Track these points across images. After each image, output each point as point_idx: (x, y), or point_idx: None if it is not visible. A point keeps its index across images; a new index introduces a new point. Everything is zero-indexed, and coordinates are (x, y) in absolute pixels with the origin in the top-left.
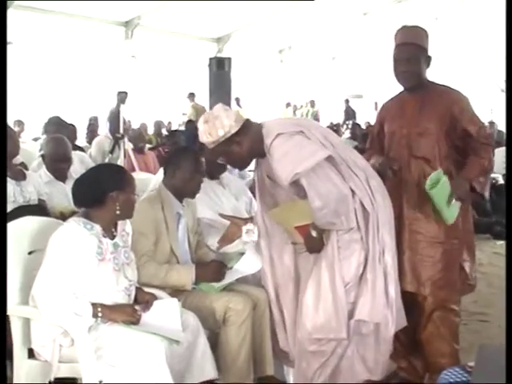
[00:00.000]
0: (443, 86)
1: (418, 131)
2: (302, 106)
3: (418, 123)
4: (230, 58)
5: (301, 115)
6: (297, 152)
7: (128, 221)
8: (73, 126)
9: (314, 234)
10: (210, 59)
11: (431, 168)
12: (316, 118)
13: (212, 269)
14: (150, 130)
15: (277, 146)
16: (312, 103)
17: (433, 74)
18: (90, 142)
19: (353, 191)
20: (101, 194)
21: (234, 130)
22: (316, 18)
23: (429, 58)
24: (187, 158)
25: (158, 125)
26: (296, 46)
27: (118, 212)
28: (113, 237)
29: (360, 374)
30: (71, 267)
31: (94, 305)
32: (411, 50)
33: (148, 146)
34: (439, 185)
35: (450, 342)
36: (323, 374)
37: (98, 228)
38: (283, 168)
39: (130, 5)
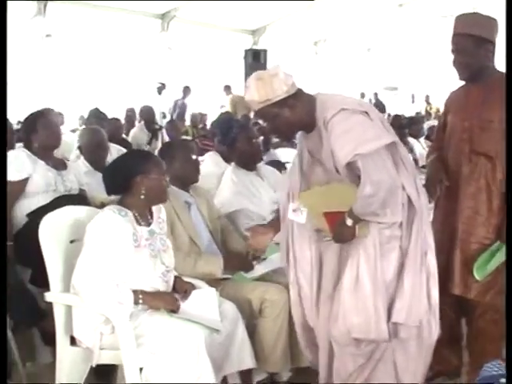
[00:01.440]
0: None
1: (480, 125)
2: None
3: (480, 116)
4: (265, 50)
5: None
6: (361, 131)
7: (163, 207)
8: (117, 119)
9: (349, 222)
10: (246, 51)
11: (492, 165)
12: None
13: (239, 257)
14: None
15: (339, 121)
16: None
17: None
18: (127, 133)
19: (403, 185)
20: (125, 179)
21: (291, 91)
22: (351, 10)
23: (492, 46)
24: (177, 147)
25: (195, 117)
26: (331, 37)
27: (142, 197)
28: (148, 224)
29: (398, 380)
30: (110, 254)
31: (135, 291)
32: (461, 41)
33: (185, 137)
34: (488, 266)
35: (497, 341)
36: (360, 378)
37: (131, 215)
38: (343, 146)
39: None
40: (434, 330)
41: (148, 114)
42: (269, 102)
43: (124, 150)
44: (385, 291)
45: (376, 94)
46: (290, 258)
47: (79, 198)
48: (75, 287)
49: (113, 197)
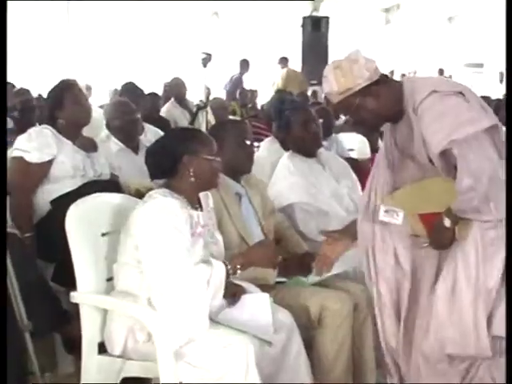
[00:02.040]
0: None
1: None
2: (409, 74)
3: None
4: (327, 18)
5: None
6: (455, 115)
7: (210, 195)
8: (155, 94)
9: (447, 223)
10: (304, 18)
11: None
12: None
13: (296, 260)
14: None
15: (430, 105)
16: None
17: None
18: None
19: None
20: (171, 160)
21: (374, 78)
22: None
23: None
24: (229, 130)
25: (244, 94)
26: (405, 3)
27: (192, 179)
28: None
29: None
30: (181, 246)
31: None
32: None
33: (232, 118)
34: None
35: None
36: None
37: (183, 199)
38: (435, 132)
39: None
40: None
41: (177, 89)
42: (350, 91)
43: (160, 132)
44: (486, 300)
45: (441, 71)
46: (371, 269)
47: (111, 185)
48: (159, 300)
49: (151, 183)
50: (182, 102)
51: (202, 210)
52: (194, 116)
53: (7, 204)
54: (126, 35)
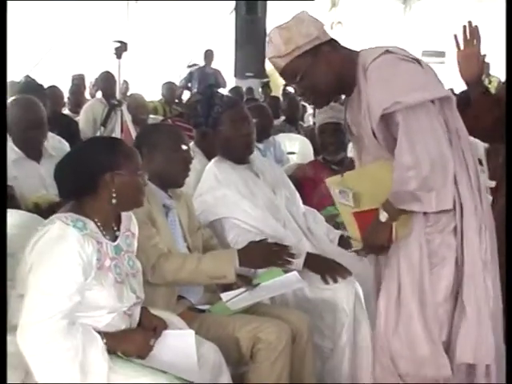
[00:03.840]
0: None
1: None
2: None
3: None
4: (264, 1)
5: None
6: (407, 77)
7: (134, 218)
8: (56, 87)
9: (383, 217)
10: (237, 1)
11: None
12: None
13: (264, 249)
14: (153, 95)
15: (381, 65)
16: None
17: None
18: (73, 109)
19: (454, 174)
20: (89, 177)
21: (324, 38)
22: None
23: None
24: (164, 133)
25: (169, 88)
26: None
27: (114, 201)
28: (114, 237)
29: None
30: (67, 285)
31: (98, 333)
32: None
33: (153, 117)
34: None
35: None
36: None
37: (91, 225)
38: (382, 91)
39: None
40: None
41: (107, 83)
42: (298, 51)
43: (62, 140)
44: (437, 315)
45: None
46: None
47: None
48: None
49: (53, 196)
50: (109, 99)
51: (119, 231)
52: (106, 116)
53: None
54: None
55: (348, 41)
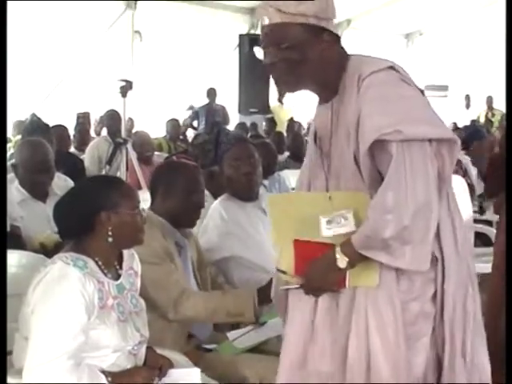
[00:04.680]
0: None
1: None
2: None
3: None
4: None
5: None
6: (413, 106)
7: (136, 256)
8: (62, 127)
9: (341, 261)
10: (241, 37)
11: None
12: None
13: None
14: (157, 132)
15: (383, 81)
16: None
17: None
18: (79, 147)
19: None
20: (86, 216)
21: (333, 29)
22: None
23: None
24: (181, 174)
25: (173, 125)
26: (357, 20)
27: (110, 239)
28: (117, 276)
29: None
30: (71, 325)
31: (102, 373)
32: None
33: (158, 154)
34: None
35: None
36: None
37: (92, 264)
38: (381, 113)
39: None
40: None
41: (113, 121)
42: (305, 19)
43: (68, 179)
44: None
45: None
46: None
47: (11, 238)
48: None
49: (56, 236)
50: (114, 137)
51: (121, 270)
52: (111, 154)
53: None
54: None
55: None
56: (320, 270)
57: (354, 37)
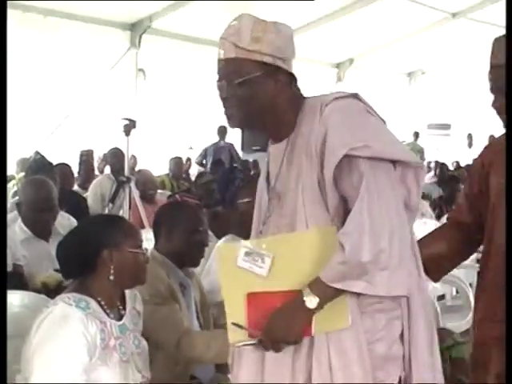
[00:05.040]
0: None
1: None
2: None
3: None
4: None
5: None
6: (379, 129)
7: (139, 295)
8: (66, 165)
9: (310, 303)
10: None
11: None
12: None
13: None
14: (160, 170)
15: (348, 107)
16: (416, 135)
17: None
18: (82, 184)
19: None
20: (88, 256)
21: (289, 69)
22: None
23: None
24: (183, 213)
25: (176, 163)
26: (358, 60)
27: (111, 277)
28: (120, 316)
29: None
30: (72, 366)
31: None
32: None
33: (161, 192)
34: None
35: None
36: None
37: (94, 304)
38: (348, 132)
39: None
40: None
41: (116, 159)
42: (259, 56)
43: (71, 218)
44: None
45: (417, 134)
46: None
47: (13, 278)
48: None
49: (58, 275)
50: (118, 175)
51: (124, 310)
52: (114, 192)
53: None
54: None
55: None
56: (285, 318)
57: (356, 76)
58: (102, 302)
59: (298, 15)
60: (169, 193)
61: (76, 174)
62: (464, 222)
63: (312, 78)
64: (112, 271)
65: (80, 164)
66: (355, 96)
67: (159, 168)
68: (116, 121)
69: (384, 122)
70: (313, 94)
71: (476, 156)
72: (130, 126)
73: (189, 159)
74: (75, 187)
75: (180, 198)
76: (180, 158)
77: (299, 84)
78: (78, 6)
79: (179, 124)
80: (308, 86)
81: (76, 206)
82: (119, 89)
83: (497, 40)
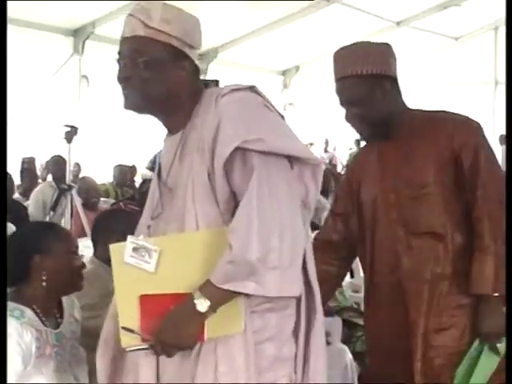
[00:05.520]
0: (440, 112)
1: (411, 194)
2: (311, 145)
3: (407, 181)
4: (217, 81)
5: None
6: (276, 123)
7: (77, 302)
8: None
9: (201, 307)
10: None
11: (444, 246)
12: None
13: None
14: (103, 178)
15: (245, 98)
16: (326, 143)
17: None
18: (24, 192)
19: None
20: (21, 261)
21: (193, 57)
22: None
23: (394, 82)
24: (121, 219)
25: (120, 171)
26: (305, 66)
27: (44, 284)
28: (57, 324)
29: None
30: (7, 375)
31: None
32: (349, 87)
33: (104, 200)
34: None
35: None
36: None
37: (29, 313)
38: (242, 124)
39: None
40: None
41: (58, 167)
42: (167, 38)
43: (11, 225)
44: None
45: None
46: None
47: None
48: None
49: None
50: (60, 183)
51: (62, 318)
52: (56, 200)
53: None
54: None
55: (299, 121)
56: (176, 322)
57: (302, 83)
58: (38, 310)
59: (244, 22)
60: (113, 201)
61: (18, 182)
62: (332, 241)
63: (258, 85)
64: (44, 277)
65: (22, 172)
66: (253, 89)
67: (104, 176)
68: (58, 127)
69: (283, 118)
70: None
71: None
72: (71, 133)
73: (133, 166)
74: (16, 195)
75: (124, 206)
76: (124, 166)
77: None
78: (20, 11)
79: (123, 131)
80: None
81: (16, 214)
82: (62, 95)
83: (337, 54)
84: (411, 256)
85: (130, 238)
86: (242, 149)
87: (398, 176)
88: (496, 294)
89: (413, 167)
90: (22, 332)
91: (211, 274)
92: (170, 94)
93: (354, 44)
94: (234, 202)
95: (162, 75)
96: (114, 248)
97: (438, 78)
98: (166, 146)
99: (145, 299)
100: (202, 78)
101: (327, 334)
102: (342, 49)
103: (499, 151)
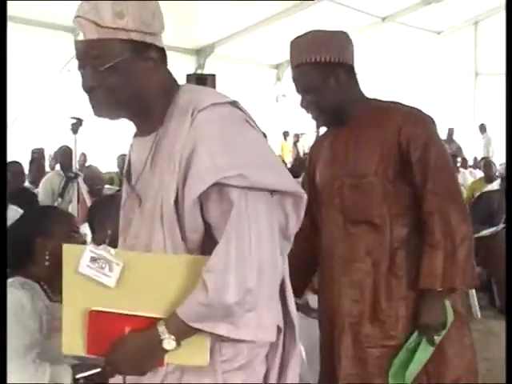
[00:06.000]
0: (393, 103)
1: (353, 182)
2: (302, 135)
3: (351, 169)
4: (213, 76)
5: (302, 149)
6: (258, 151)
7: None
8: (16, 163)
9: (167, 340)
10: (188, 76)
11: (380, 236)
12: None
13: None
14: (108, 167)
15: (224, 118)
16: (317, 132)
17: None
18: (33, 181)
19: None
20: (25, 244)
21: (159, 44)
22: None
23: (350, 70)
24: (115, 205)
25: (123, 160)
26: None
27: (47, 263)
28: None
29: None
30: (20, 345)
31: None
32: (303, 74)
33: (109, 187)
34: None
35: None
36: None
37: (38, 288)
38: (221, 154)
39: None
40: None
41: (65, 157)
42: (124, 34)
43: (19, 210)
44: None
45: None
46: None
47: None
48: None
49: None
50: (67, 172)
51: None
52: (63, 188)
53: None
54: None
55: (292, 111)
56: (137, 353)
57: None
58: (45, 287)
59: (239, 19)
60: (117, 188)
61: (27, 172)
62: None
63: (253, 77)
64: (47, 257)
65: (31, 162)
66: (234, 104)
67: (109, 165)
68: (65, 120)
69: (264, 136)
70: (253, 94)
71: None
72: (77, 125)
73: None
74: (26, 183)
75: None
76: (125, 155)
77: (240, 85)
78: (29, 11)
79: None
80: (248, 87)
81: (27, 201)
82: (69, 89)
83: (293, 42)
84: (347, 243)
85: (88, 246)
86: (221, 184)
87: (345, 163)
88: (440, 289)
89: (359, 156)
90: (35, 301)
91: (180, 308)
92: (138, 92)
93: (309, 32)
94: (204, 231)
95: (126, 77)
96: (67, 249)
97: (422, 70)
98: (138, 146)
99: (96, 315)
100: (199, 72)
101: (313, 311)
102: (298, 37)
103: (479, 139)
